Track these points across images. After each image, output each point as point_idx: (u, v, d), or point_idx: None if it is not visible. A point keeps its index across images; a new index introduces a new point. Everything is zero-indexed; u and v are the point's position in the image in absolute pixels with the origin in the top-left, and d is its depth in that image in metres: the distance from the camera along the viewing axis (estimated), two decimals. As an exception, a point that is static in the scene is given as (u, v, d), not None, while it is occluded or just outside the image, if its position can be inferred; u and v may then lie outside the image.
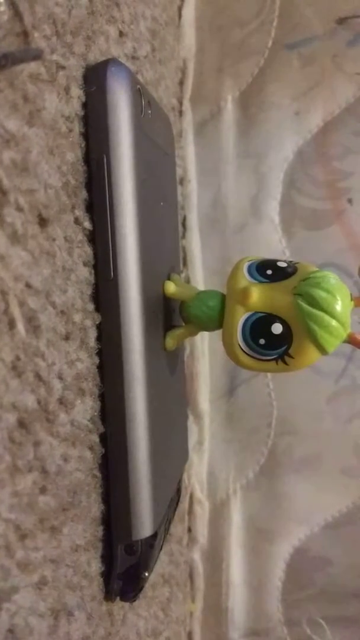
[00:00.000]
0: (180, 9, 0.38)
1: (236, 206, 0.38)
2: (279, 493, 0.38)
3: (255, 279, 0.22)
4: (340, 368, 0.36)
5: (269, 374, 0.38)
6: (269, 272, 0.22)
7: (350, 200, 0.36)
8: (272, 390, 0.38)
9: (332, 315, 0.20)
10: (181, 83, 0.39)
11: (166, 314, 0.25)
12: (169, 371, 0.27)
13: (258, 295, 0.22)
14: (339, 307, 0.20)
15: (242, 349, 0.22)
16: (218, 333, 0.23)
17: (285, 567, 0.38)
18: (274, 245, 0.37)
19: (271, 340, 0.22)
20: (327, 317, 0.20)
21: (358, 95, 0.37)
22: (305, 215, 0.37)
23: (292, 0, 0.37)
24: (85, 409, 0.20)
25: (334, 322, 0.20)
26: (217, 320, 0.23)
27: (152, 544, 0.23)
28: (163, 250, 0.27)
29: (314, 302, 0.20)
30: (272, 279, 0.22)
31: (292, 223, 0.37)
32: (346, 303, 0.21)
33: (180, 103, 0.39)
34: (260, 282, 0.22)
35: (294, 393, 0.38)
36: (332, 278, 0.21)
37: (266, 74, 0.38)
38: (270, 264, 0.23)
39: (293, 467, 0.38)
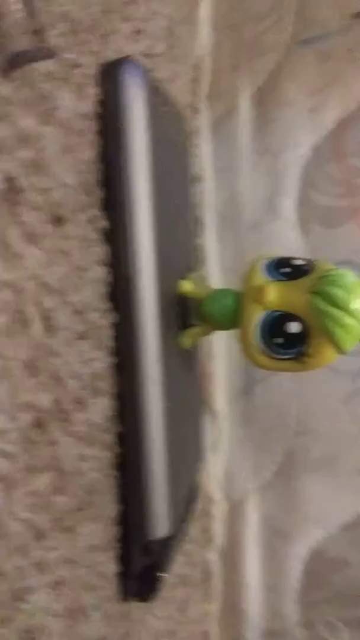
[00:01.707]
0: (195, 6, 0.38)
1: (252, 204, 0.38)
2: (295, 493, 0.38)
3: (271, 277, 0.22)
4: (358, 367, 0.36)
5: (285, 373, 0.38)
6: (286, 270, 0.22)
7: (367, 197, 0.36)
8: (289, 389, 0.38)
9: (350, 313, 0.20)
10: (197, 80, 0.39)
11: (182, 313, 0.25)
12: (185, 370, 0.27)
13: (275, 294, 0.21)
14: (356, 305, 0.20)
15: (258, 349, 0.22)
16: (234, 332, 0.23)
17: (302, 568, 0.38)
18: (290, 243, 0.37)
19: (288, 340, 0.22)
20: (344, 316, 0.20)
21: (375, 91, 0.36)
22: (322, 212, 0.37)
23: (307, -4, 0.37)
24: (101, 408, 0.20)
25: (351, 320, 0.20)
26: (233, 319, 0.23)
27: (168, 544, 0.23)
28: (178, 249, 0.26)
29: (331, 300, 0.20)
30: (288, 277, 0.22)
31: (309, 220, 0.37)
32: None
33: (196, 101, 0.39)
34: (277, 280, 0.22)
35: (310, 392, 0.37)
36: (349, 276, 0.21)
37: (282, 71, 0.38)
38: (287, 262, 0.23)
39: (310, 468, 0.38)
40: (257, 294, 0.22)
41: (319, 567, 0.38)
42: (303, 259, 0.23)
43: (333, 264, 0.23)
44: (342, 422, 0.37)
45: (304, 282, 0.21)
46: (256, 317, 0.22)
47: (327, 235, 0.37)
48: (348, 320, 0.20)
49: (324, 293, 0.20)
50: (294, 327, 0.21)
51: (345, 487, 0.37)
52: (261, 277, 0.22)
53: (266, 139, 0.38)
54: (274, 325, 0.22)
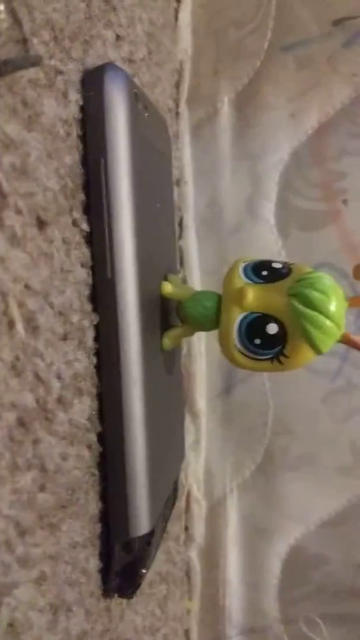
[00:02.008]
0: (176, 11, 0.39)
1: (232, 207, 0.39)
2: (275, 492, 0.39)
3: (250, 279, 0.23)
4: (336, 367, 0.37)
5: (265, 374, 0.38)
6: (265, 273, 0.23)
7: (345, 202, 0.37)
8: (269, 389, 0.38)
9: (327, 315, 0.21)
10: (177, 85, 0.39)
11: (163, 314, 0.26)
12: (166, 371, 0.27)
13: (253, 296, 0.22)
14: (333, 307, 0.21)
15: (237, 349, 0.23)
16: (214, 333, 0.24)
17: (281, 566, 0.38)
18: (269, 245, 0.38)
19: (266, 340, 0.22)
20: (321, 317, 0.21)
21: (353, 97, 0.37)
22: (301, 216, 0.37)
23: (287, 2, 0.37)
24: (83, 408, 0.21)
25: (328, 322, 0.21)
26: (214, 321, 0.24)
27: (149, 541, 0.23)
28: (160, 251, 0.27)
29: (309, 303, 0.21)
30: (267, 279, 0.22)
31: (288, 224, 0.38)
32: (340, 303, 0.21)
33: (177, 105, 0.39)
34: (256, 282, 0.22)
35: (290, 392, 0.38)
36: (326, 279, 0.21)
37: (262, 76, 0.38)
38: (266, 265, 0.23)
39: (289, 466, 0.38)
40: (236, 296, 0.22)
41: (298, 563, 0.38)
42: (282, 262, 0.23)
43: (311, 266, 0.23)
44: (321, 421, 0.37)
45: (283, 284, 0.22)
46: (236, 318, 0.22)
47: (305, 239, 0.37)
48: (325, 322, 0.21)
49: (302, 295, 0.21)
50: (272, 328, 0.22)
51: (324, 485, 0.38)
52: (241, 279, 0.23)
53: (246, 143, 0.38)
54: (253, 327, 0.22)
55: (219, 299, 0.24)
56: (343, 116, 0.37)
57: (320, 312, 0.21)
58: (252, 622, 0.39)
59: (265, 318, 0.22)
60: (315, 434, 0.38)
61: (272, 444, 0.38)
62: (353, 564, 0.37)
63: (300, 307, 0.21)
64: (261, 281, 0.22)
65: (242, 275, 0.23)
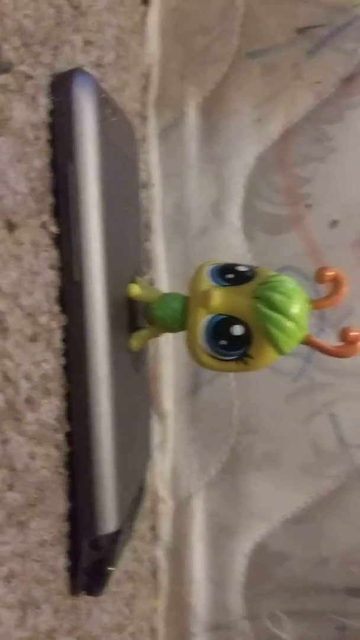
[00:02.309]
0: (144, 16, 0.39)
1: (199, 210, 0.39)
2: (240, 490, 0.39)
3: (216, 282, 0.23)
4: (299, 368, 0.38)
5: (230, 374, 0.39)
6: (230, 275, 0.23)
7: (308, 206, 0.38)
8: (234, 389, 0.39)
9: (289, 317, 0.21)
10: (145, 89, 0.39)
11: (130, 316, 0.26)
12: (133, 372, 0.28)
13: (219, 298, 0.22)
14: (295, 309, 0.21)
15: (203, 350, 0.23)
16: (181, 334, 0.24)
17: (246, 563, 0.39)
18: (235, 249, 0.38)
19: (232, 341, 0.23)
20: (284, 320, 0.21)
21: (317, 104, 0.38)
22: (266, 220, 0.38)
23: (254, 9, 0.38)
24: (51, 408, 0.21)
25: (290, 324, 0.21)
26: (180, 322, 0.24)
27: (116, 539, 0.24)
28: (127, 253, 0.27)
29: (272, 305, 0.21)
30: (232, 282, 0.23)
31: (253, 227, 0.38)
32: (303, 306, 0.22)
33: (144, 108, 0.39)
34: (222, 285, 0.23)
35: (254, 392, 0.39)
36: (289, 282, 0.22)
37: (229, 82, 0.39)
38: (231, 268, 0.24)
39: (254, 465, 0.39)
40: (202, 298, 0.23)
41: (263, 561, 0.39)
42: (246, 266, 0.24)
43: (275, 270, 0.24)
44: (284, 420, 0.38)
45: (247, 287, 0.23)
46: (202, 320, 0.23)
47: (270, 242, 0.38)
48: (288, 324, 0.21)
49: (266, 298, 0.21)
50: (237, 330, 0.22)
51: (288, 483, 0.38)
52: (207, 282, 0.23)
53: (212, 147, 0.39)
54: (219, 328, 0.23)
55: (186, 300, 0.24)
56: (307, 122, 0.38)
57: (283, 315, 0.21)
58: (217, 619, 0.40)
59: (230, 320, 0.22)
60: (279, 434, 0.38)
61: (237, 444, 0.39)
62: (316, 560, 0.38)
63: (264, 309, 0.21)
64: (226, 284, 0.23)
65: (208, 278, 0.23)
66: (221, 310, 0.22)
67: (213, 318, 0.23)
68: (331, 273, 0.23)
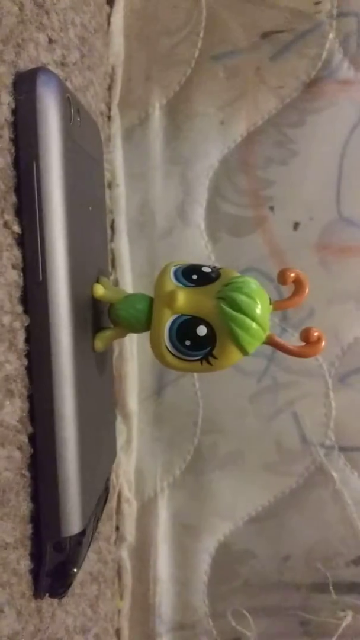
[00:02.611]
0: (109, 16, 0.39)
1: (163, 211, 0.39)
2: (204, 490, 0.39)
3: (181, 283, 0.23)
4: (262, 368, 0.38)
5: (195, 374, 0.39)
6: (194, 276, 0.23)
7: (271, 208, 0.38)
8: (198, 389, 0.39)
9: (253, 318, 0.22)
10: (110, 89, 0.39)
11: (95, 316, 0.26)
12: (98, 372, 0.27)
13: (184, 299, 0.22)
14: (258, 310, 0.22)
15: (168, 350, 0.23)
16: (146, 335, 0.24)
17: (210, 562, 0.39)
18: (199, 250, 0.39)
19: (196, 342, 0.23)
20: (247, 320, 0.22)
21: (280, 108, 0.38)
22: (230, 221, 0.39)
23: (218, 13, 0.39)
24: (14, 410, 0.21)
25: (254, 325, 0.22)
26: (145, 323, 0.24)
27: (80, 540, 0.24)
28: (92, 253, 0.27)
29: (236, 306, 0.22)
30: (197, 283, 0.23)
31: (217, 229, 0.39)
32: (265, 307, 0.22)
33: (109, 108, 0.39)
34: (186, 286, 0.23)
35: (219, 392, 0.39)
36: (252, 283, 0.22)
37: (193, 84, 0.39)
38: (196, 269, 0.24)
39: (218, 464, 0.39)
40: (167, 299, 0.23)
41: (227, 559, 0.39)
42: (211, 267, 0.24)
43: (239, 271, 0.24)
44: (248, 420, 0.39)
45: (212, 288, 0.23)
46: (167, 320, 0.23)
47: (234, 244, 0.39)
48: (251, 324, 0.22)
49: (230, 299, 0.22)
50: (202, 331, 0.23)
51: (251, 482, 0.39)
52: (171, 282, 0.23)
53: (177, 148, 0.39)
54: (184, 329, 0.23)
55: (151, 301, 0.24)
56: (270, 126, 0.38)
57: (247, 315, 0.22)
58: (182, 618, 0.40)
59: (195, 320, 0.23)
60: (243, 433, 0.39)
61: (201, 443, 0.39)
62: (278, 557, 0.39)
63: (228, 310, 0.22)
64: (191, 284, 0.23)
65: (173, 279, 0.23)
66: (186, 310, 0.23)
67: (177, 318, 0.23)
68: (293, 274, 0.23)
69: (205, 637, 0.39)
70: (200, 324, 0.22)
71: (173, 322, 0.23)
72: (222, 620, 0.39)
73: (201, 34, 0.39)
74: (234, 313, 0.22)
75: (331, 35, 0.37)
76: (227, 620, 0.39)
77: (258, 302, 0.22)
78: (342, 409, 0.38)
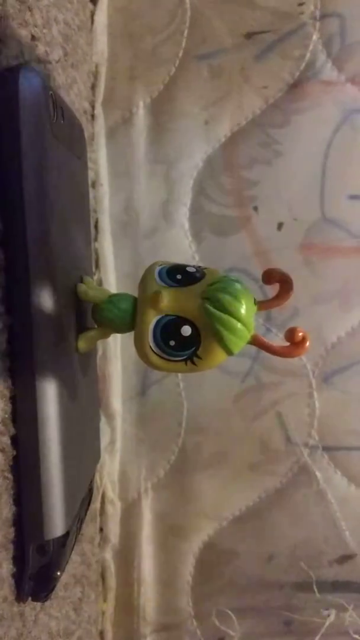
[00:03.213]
0: (92, 14, 0.39)
1: (147, 211, 0.39)
2: (188, 490, 0.39)
3: (165, 283, 0.23)
4: (247, 368, 0.38)
5: (179, 375, 0.39)
6: (179, 276, 0.23)
7: (256, 208, 0.38)
8: (183, 390, 0.39)
9: (237, 318, 0.22)
10: (93, 87, 0.39)
11: (78, 317, 0.26)
12: (81, 373, 0.27)
13: (168, 299, 0.22)
14: (243, 310, 0.22)
15: (153, 351, 0.23)
16: (130, 335, 0.24)
17: (195, 562, 0.39)
18: (184, 249, 0.39)
19: (181, 342, 0.23)
20: (232, 320, 0.22)
21: (264, 108, 0.38)
22: (214, 221, 0.39)
23: (202, 12, 0.39)
24: (-4, 411, 0.20)
25: (239, 325, 0.22)
26: (129, 323, 0.24)
27: (63, 543, 0.23)
28: (75, 253, 0.27)
29: (221, 306, 0.21)
30: (181, 283, 0.23)
31: (201, 229, 0.39)
32: (250, 307, 0.22)
33: (93, 107, 0.39)
34: (171, 286, 0.23)
35: (203, 393, 0.39)
36: (237, 283, 0.22)
37: (177, 83, 0.39)
38: (180, 268, 0.24)
39: (202, 465, 0.39)
40: (151, 299, 0.23)
41: (211, 559, 0.39)
42: (195, 267, 0.24)
43: (223, 271, 0.24)
44: (232, 420, 0.39)
45: (196, 288, 0.23)
46: (151, 321, 0.23)
47: (218, 244, 0.38)
48: (236, 324, 0.22)
49: (215, 299, 0.22)
50: (186, 331, 0.22)
51: (235, 482, 0.39)
52: (156, 282, 0.23)
53: (161, 147, 0.39)
54: (168, 329, 0.23)
55: (135, 301, 0.24)
56: (254, 126, 0.38)
57: (231, 315, 0.21)
58: (166, 619, 0.40)
59: (179, 320, 0.22)
60: (227, 433, 0.39)
61: (185, 444, 0.39)
62: (263, 557, 0.39)
63: (213, 310, 0.21)
64: (175, 285, 0.23)
65: (157, 279, 0.23)
66: (170, 310, 0.22)
67: (162, 319, 0.23)
68: (278, 274, 0.23)
69: (189, 637, 0.39)
70: (184, 324, 0.22)
71: (157, 322, 0.23)
72: (206, 620, 0.39)
73: (185, 33, 0.39)
74: (218, 313, 0.21)
75: (315, 37, 0.38)
76: (212, 620, 0.39)
77: (243, 302, 0.22)
78: (325, 409, 0.38)
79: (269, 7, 0.38)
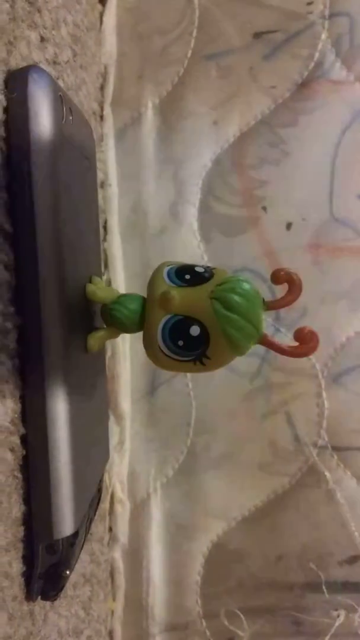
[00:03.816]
0: (101, 14, 0.39)
1: (156, 211, 0.39)
2: (197, 490, 0.39)
3: (174, 283, 0.23)
4: (255, 368, 0.38)
5: (187, 375, 0.39)
6: (187, 276, 0.23)
7: (264, 208, 0.38)
8: (191, 390, 0.39)
9: (246, 318, 0.22)
10: (102, 88, 0.39)
11: (88, 317, 0.26)
12: (91, 373, 0.27)
13: (177, 299, 0.22)
14: (252, 310, 0.22)
15: (161, 351, 0.23)
16: (139, 335, 0.24)
17: (204, 562, 0.39)
18: (192, 250, 0.39)
19: (189, 342, 0.23)
20: (241, 320, 0.21)
21: (273, 108, 0.38)
22: (223, 221, 0.39)
23: (211, 12, 0.39)
24: (6, 411, 0.21)
25: (248, 325, 0.22)
26: (138, 323, 0.24)
27: (73, 542, 0.24)
28: (84, 253, 0.27)
29: (229, 306, 0.21)
30: (190, 283, 0.23)
31: (210, 229, 0.39)
32: (259, 307, 0.22)
33: (101, 108, 0.39)
34: (179, 286, 0.23)
35: (211, 392, 0.39)
36: (246, 283, 0.22)
37: (186, 83, 0.39)
38: (189, 269, 0.24)
39: (211, 465, 0.39)
40: (160, 299, 0.23)
41: (220, 559, 0.39)
42: (204, 266, 0.24)
43: (232, 271, 0.24)
44: (240, 420, 0.38)
45: (205, 288, 0.23)
46: (160, 320, 0.23)
47: (227, 244, 0.38)
48: (245, 324, 0.22)
49: (223, 299, 0.22)
50: (195, 331, 0.22)
51: (244, 482, 0.39)
52: (164, 282, 0.23)
53: (170, 148, 0.39)
54: (177, 329, 0.23)
55: (144, 301, 0.24)
56: (263, 126, 0.38)
57: (240, 316, 0.21)
58: (174, 619, 0.40)
59: (188, 321, 0.22)
60: (236, 433, 0.39)
61: (194, 444, 0.39)
62: (273, 557, 0.39)
63: (222, 310, 0.21)
64: (184, 284, 0.23)
65: (166, 279, 0.23)
66: (179, 310, 0.22)
67: (171, 319, 0.23)
68: (287, 274, 0.23)
69: (198, 637, 0.39)
70: (193, 324, 0.22)
71: (166, 322, 0.23)
72: (215, 620, 0.39)
73: (194, 33, 0.39)
74: (227, 313, 0.21)
75: (323, 36, 0.38)
76: (220, 620, 0.39)
77: (252, 302, 0.22)
78: (335, 409, 0.38)
79: (278, 7, 0.38)
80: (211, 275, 0.23)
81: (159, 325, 0.23)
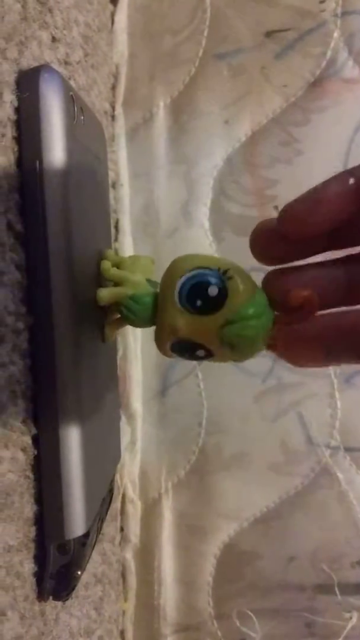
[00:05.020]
0: (112, 15, 0.39)
1: (168, 210, 0.39)
2: (209, 490, 0.39)
3: (183, 306, 0.22)
4: (267, 368, 0.38)
5: (199, 375, 0.39)
6: (199, 302, 0.22)
7: (276, 207, 0.38)
8: (203, 390, 0.39)
9: (253, 354, 0.22)
10: (113, 88, 0.39)
11: (98, 316, 0.26)
12: (102, 373, 0.27)
13: (186, 329, 0.22)
14: (259, 347, 0.22)
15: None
16: (150, 336, 0.24)
17: (215, 563, 0.39)
18: (204, 249, 0.38)
19: (196, 358, 0.23)
20: (249, 356, 0.22)
21: (284, 107, 0.38)
22: (234, 221, 0.38)
23: (222, 12, 0.38)
24: (18, 411, 0.21)
25: (252, 353, 0.22)
26: (150, 319, 0.24)
27: (84, 542, 0.24)
28: (96, 253, 0.27)
29: (237, 349, 0.21)
30: (201, 311, 0.22)
31: (222, 228, 0.39)
32: (266, 333, 0.22)
33: (113, 108, 0.39)
34: (190, 312, 0.22)
35: (223, 393, 0.39)
36: (253, 320, 0.21)
37: (197, 82, 0.39)
38: (201, 292, 0.22)
39: (223, 465, 0.39)
40: (169, 329, 0.22)
41: (232, 560, 0.39)
42: (218, 281, 0.22)
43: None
44: (252, 420, 0.38)
45: (214, 320, 0.21)
46: (167, 342, 0.23)
47: (238, 243, 0.38)
48: (252, 355, 0.22)
49: (232, 343, 0.21)
50: (200, 353, 0.23)
51: (256, 483, 0.39)
52: (175, 305, 0.22)
53: (181, 147, 0.39)
54: (184, 349, 0.23)
55: (155, 297, 0.24)
56: (274, 125, 0.38)
57: (248, 356, 0.22)
58: (186, 619, 0.40)
59: (194, 345, 0.22)
60: (248, 433, 0.39)
61: (206, 444, 0.39)
62: (285, 558, 0.39)
63: (229, 352, 0.22)
64: (194, 311, 0.22)
65: (177, 299, 0.22)
66: (186, 337, 0.22)
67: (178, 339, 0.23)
68: (303, 295, 0.22)
69: (210, 638, 0.39)
70: (198, 349, 0.22)
71: (173, 344, 0.23)
72: (226, 621, 0.39)
73: (205, 33, 0.39)
74: (236, 354, 0.22)
75: (336, 34, 0.37)
76: (232, 621, 0.39)
77: (257, 343, 0.21)
78: (347, 410, 0.38)
79: (290, 5, 0.37)
80: (225, 297, 0.22)
81: (167, 344, 0.23)
